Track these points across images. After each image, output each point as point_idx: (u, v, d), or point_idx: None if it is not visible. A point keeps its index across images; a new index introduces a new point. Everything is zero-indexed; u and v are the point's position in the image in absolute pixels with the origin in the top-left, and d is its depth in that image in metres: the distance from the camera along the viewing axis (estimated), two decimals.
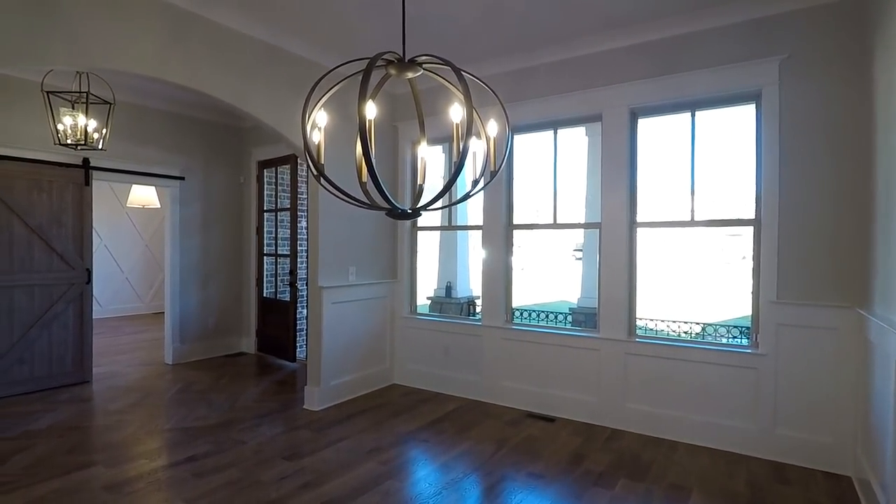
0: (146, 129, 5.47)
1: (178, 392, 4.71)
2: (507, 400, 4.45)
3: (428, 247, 6.81)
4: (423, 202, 1.76)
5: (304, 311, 6.31)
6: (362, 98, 1.48)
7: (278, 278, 6.28)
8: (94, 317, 9.15)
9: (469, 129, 1.55)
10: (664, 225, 3.91)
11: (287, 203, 6.10)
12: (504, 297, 4.57)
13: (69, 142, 3.90)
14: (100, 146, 4.08)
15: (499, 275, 4.56)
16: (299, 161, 5.87)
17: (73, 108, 3.89)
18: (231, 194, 6.34)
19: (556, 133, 4.36)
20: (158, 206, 7.69)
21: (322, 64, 4.16)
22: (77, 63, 2.84)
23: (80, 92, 3.80)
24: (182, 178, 5.79)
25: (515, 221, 4.59)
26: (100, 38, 2.88)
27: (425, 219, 5.39)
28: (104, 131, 4.14)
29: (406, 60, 1.74)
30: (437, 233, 7.72)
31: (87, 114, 3.87)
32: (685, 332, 6.96)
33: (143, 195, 7.63)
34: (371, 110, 1.55)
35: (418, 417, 4.13)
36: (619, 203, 3.92)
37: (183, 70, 3.29)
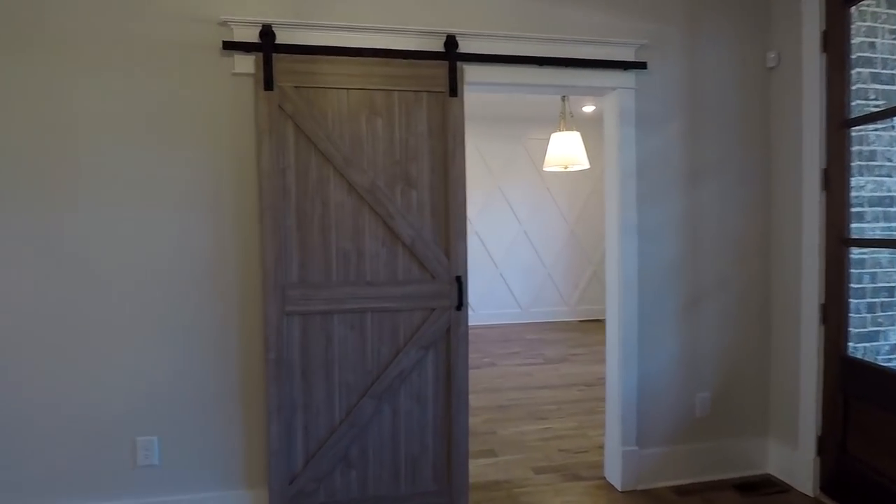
0: None
1: None
2: None
3: None
4: None
5: None
6: None
7: (878, 306, 2.26)
8: (511, 321, 6.74)
9: None
10: None
11: None
12: None
13: None
14: None
15: None
16: None
17: None
18: (746, 95, 2.69)
19: None
20: (587, 165, 4.83)
21: None
22: None
23: None
24: (642, 66, 2.52)
25: None
26: None
27: None
28: None
29: None
30: None
31: None
32: None
33: (565, 151, 4.89)
34: None
35: None
36: None
37: None
